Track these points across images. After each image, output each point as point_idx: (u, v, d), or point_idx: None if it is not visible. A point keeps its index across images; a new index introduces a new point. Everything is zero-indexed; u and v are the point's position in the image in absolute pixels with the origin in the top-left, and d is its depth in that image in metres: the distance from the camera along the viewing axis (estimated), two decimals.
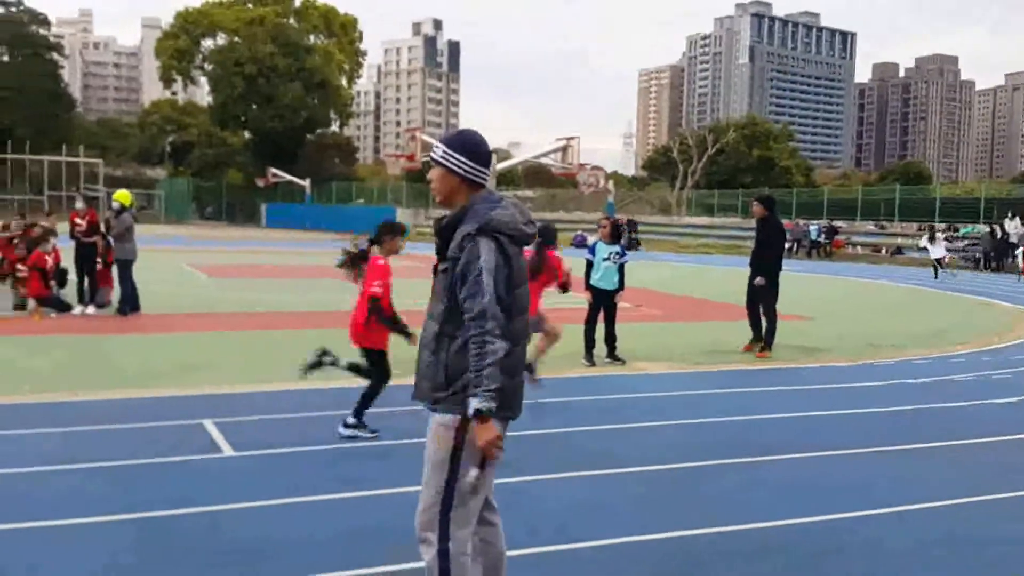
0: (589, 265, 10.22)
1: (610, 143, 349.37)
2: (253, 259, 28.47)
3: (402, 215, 54.82)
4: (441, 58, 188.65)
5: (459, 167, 3.05)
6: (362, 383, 6.54)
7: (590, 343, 10.11)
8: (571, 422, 7.13)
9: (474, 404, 2.85)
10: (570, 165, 26.48)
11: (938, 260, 28.12)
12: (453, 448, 2.99)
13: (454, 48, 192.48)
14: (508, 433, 3.11)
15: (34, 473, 5.45)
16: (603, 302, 10.19)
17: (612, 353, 10.20)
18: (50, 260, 13.64)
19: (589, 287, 10.19)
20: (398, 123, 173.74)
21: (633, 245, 35.71)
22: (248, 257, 29.41)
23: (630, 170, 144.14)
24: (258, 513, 4.88)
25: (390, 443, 6.30)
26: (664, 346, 11.72)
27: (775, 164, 72.00)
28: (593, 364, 9.96)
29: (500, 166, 27.91)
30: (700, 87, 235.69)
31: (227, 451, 6.06)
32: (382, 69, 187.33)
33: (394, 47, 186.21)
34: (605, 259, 10.12)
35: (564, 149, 26.60)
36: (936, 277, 26.70)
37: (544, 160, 29.79)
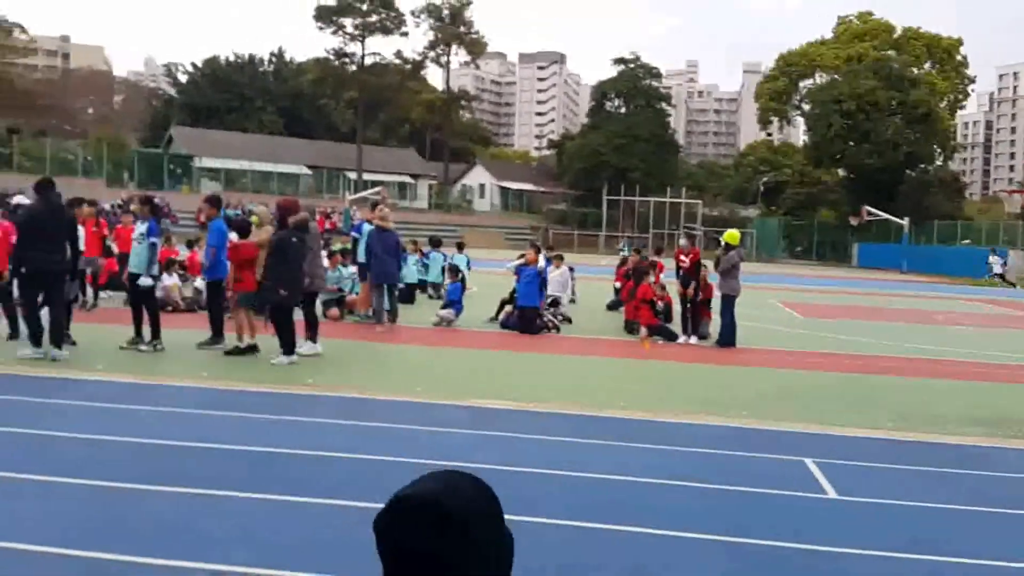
0: None
1: None
2: (845, 299, 27.80)
3: (1015, 257, 48.89)
4: None
5: None
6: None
7: None
8: None
9: None
10: None
11: None
12: None
13: None
14: None
15: (649, 484, 5.97)
16: None
17: None
18: (656, 291, 15.00)
19: None
20: (1012, 155, 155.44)
21: None
22: (840, 297, 28.81)
23: None
24: (874, 562, 4.67)
25: None
26: None
27: None
28: None
29: None
30: None
31: (831, 493, 5.93)
32: (994, 97, 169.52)
33: (1009, 71, 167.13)
34: None
35: None
36: None
37: None
